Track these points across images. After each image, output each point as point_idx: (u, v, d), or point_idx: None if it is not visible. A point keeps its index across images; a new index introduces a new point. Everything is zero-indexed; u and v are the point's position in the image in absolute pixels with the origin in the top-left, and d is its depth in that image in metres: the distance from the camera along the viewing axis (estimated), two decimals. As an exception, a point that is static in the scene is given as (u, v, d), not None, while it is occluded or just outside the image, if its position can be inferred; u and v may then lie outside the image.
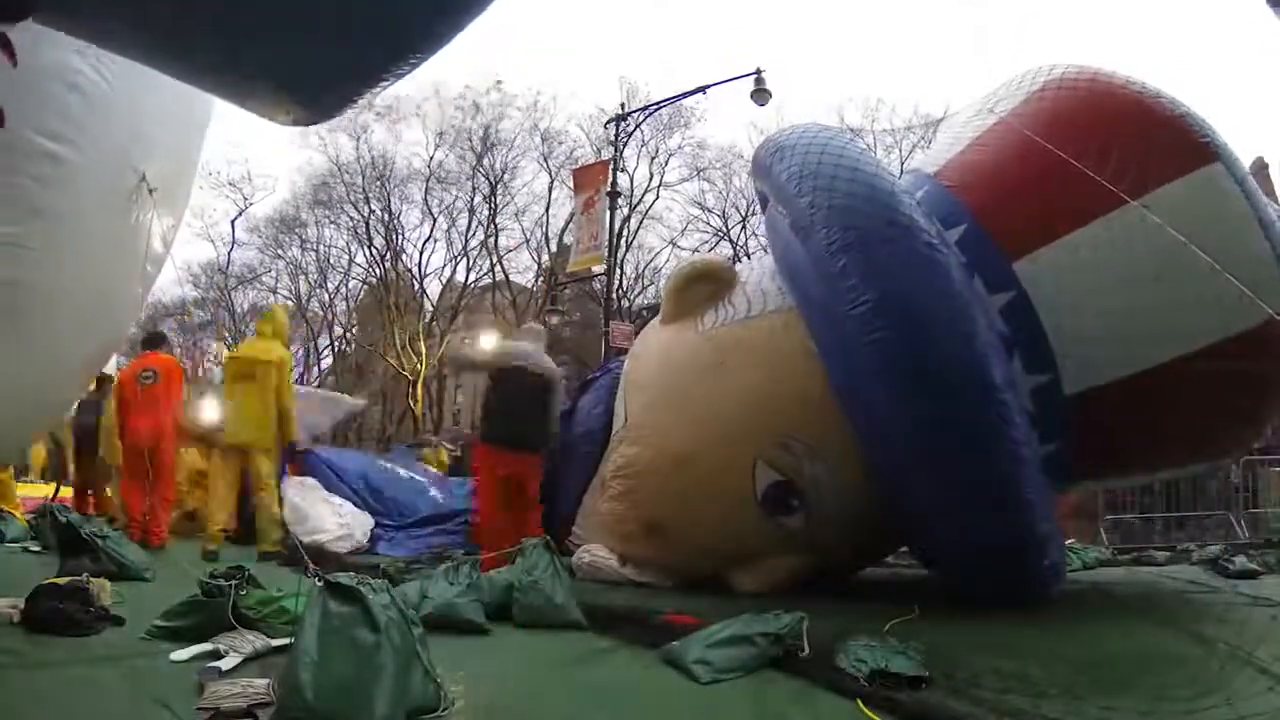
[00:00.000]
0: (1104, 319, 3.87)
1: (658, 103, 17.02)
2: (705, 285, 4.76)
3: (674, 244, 23.33)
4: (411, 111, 22.95)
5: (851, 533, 4.37)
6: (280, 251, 26.23)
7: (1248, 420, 4.46)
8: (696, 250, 22.76)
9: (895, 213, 3.73)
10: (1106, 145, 3.80)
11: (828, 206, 3.81)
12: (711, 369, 4.43)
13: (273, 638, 2.60)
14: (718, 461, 4.24)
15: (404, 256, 25.05)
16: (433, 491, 7.61)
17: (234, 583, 2.79)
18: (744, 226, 22.50)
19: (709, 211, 23.05)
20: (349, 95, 2.29)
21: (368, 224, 24.75)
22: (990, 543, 3.58)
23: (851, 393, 3.90)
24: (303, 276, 26.52)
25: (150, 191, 3.37)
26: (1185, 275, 3.51)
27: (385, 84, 2.19)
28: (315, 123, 2.55)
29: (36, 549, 5.57)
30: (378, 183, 24.15)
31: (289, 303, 26.25)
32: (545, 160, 23.35)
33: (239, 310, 27.05)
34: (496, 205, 23.88)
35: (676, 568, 4.64)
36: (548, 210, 23.57)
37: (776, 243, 4.79)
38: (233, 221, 25.31)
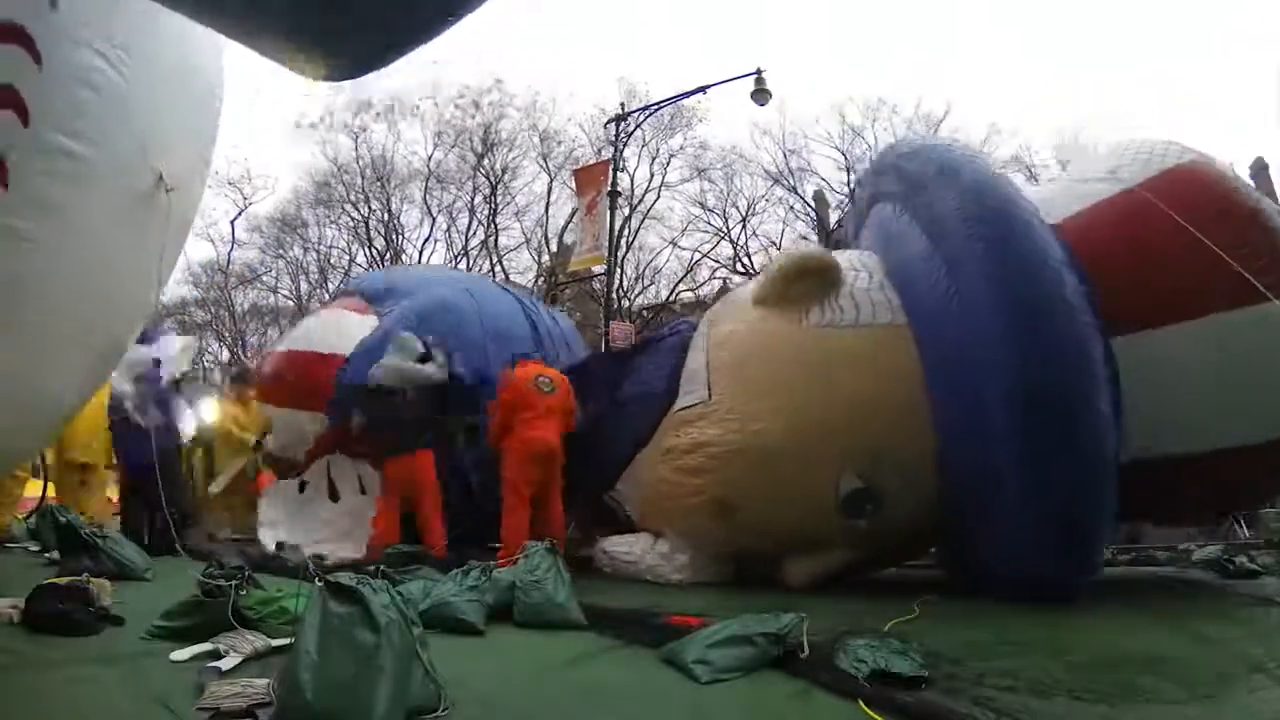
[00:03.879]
0: (1179, 406, 4.17)
1: (658, 103, 17.00)
2: (813, 279, 4.77)
3: (674, 244, 23.29)
4: (410, 111, 22.96)
5: (903, 536, 4.65)
6: (281, 251, 26.23)
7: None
8: (697, 250, 22.74)
9: (1063, 291, 3.88)
10: (1229, 248, 3.96)
11: (1002, 265, 3.97)
12: (816, 370, 4.50)
13: (273, 638, 2.60)
14: (807, 460, 4.36)
15: (404, 256, 25.03)
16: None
17: (234, 583, 2.79)
18: (744, 226, 22.48)
19: (710, 211, 23.00)
20: (383, 48, 2.22)
21: (367, 224, 24.75)
22: (1051, 565, 3.84)
23: (962, 428, 4.11)
24: (303, 276, 26.51)
25: (167, 191, 3.37)
26: (1269, 382, 3.98)
27: (424, 39, 2.11)
28: (348, 77, 2.48)
29: (36, 549, 5.57)
30: (377, 183, 24.16)
31: (289, 302, 26.28)
32: (545, 160, 23.37)
33: (239, 310, 27.05)
34: (496, 205, 23.89)
35: (732, 546, 4.75)
36: (547, 210, 23.54)
37: (895, 253, 4.86)
38: (233, 221, 25.30)
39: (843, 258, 5.02)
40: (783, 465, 4.40)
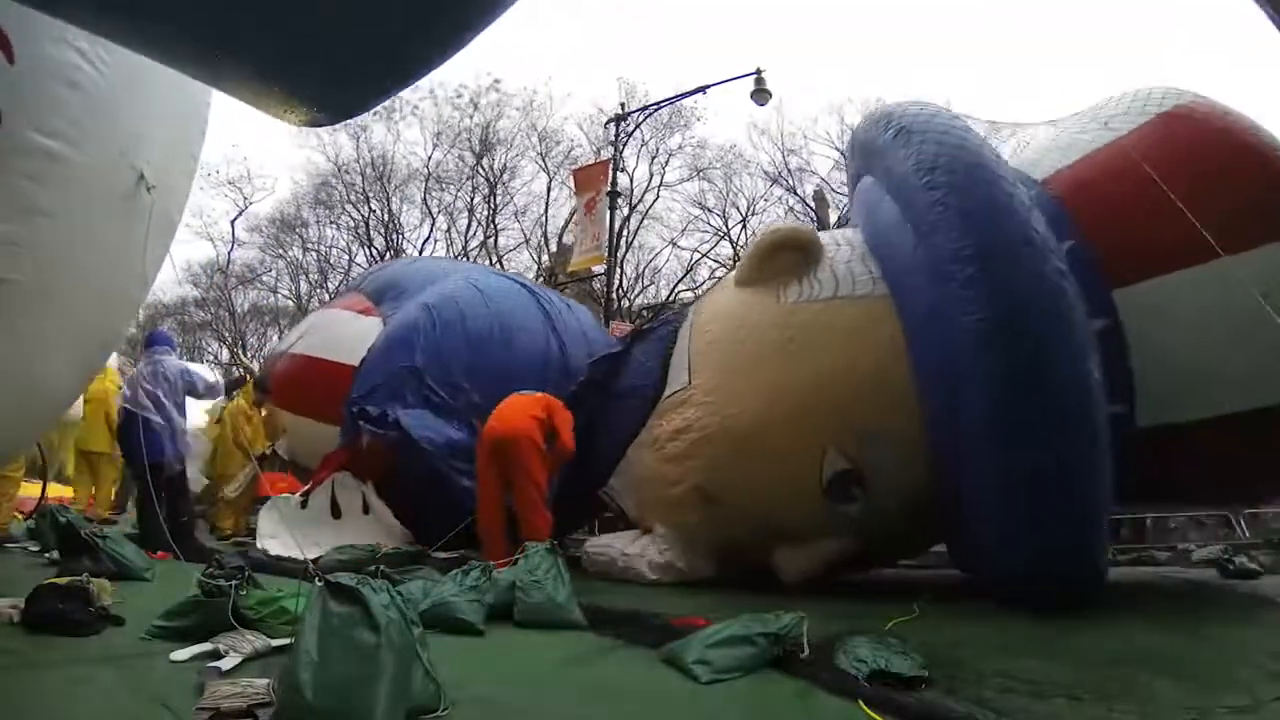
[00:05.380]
0: (1193, 361, 3.82)
1: (657, 103, 16.99)
2: (791, 255, 4.62)
3: (674, 244, 23.28)
4: (409, 111, 22.92)
5: (899, 526, 4.36)
6: (281, 251, 26.22)
7: None
8: (697, 250, 22.74)
9: (1030, 232, 3.64)
10: (1228, 188, 3.76)
11: (961, 210, 3.73)
12: (792, 347, 4.30)
13: (273, 638, 2.60)
14: (787, 441, 4.16)
15: (404, 257, 25.03)
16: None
17: (234, 583, 2.79)
18: (744, 226, 22.46)
19: (709, 211, 22.99)
20: (365, 96, 2.22)
21: (367, 224, 24.73)
22: (1054, 557, 3.56)
23: (942, 394, 3.83)
24: (303, 276, 26.49)
25: (149, 190, 3.36)
26: None
27: (405, 85, 2.12)
28: (331, 123, 2.48)
29: (36, 549, 5.57)
30: (377, 183, 24.14)
31: (289, 302, 26.26)
32: (544, 160, 23.34)
33: (239, 310, 27.05)
34: (496, 205, 23.87)
35: (719, 539, 4.56)
36: (546, 210, 23.53)
37: (872, 223, 4.67)
38: (233, 221, 25.26)
39: (826, 235, 4.85)
40: (762, 448, 4.20)
